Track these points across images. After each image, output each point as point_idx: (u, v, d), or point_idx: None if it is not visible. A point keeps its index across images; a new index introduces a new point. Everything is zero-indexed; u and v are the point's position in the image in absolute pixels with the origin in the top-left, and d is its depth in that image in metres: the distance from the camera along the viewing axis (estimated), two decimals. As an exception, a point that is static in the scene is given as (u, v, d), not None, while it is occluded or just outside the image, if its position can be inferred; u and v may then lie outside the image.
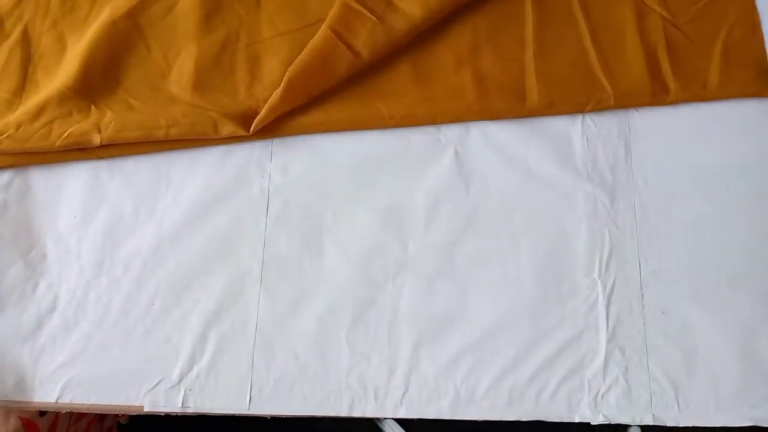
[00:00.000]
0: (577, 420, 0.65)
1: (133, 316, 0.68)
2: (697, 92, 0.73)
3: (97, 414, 0.89)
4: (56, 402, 0.65)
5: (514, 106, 0.72)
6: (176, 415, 0.66)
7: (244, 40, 0.75)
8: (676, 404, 0.66)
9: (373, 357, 0.67)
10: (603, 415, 0.66)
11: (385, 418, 0.68)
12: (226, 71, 0.74)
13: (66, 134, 0.68)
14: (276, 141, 0.73)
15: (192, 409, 0.65)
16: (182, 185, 0.72)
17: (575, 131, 0.73)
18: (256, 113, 0.70)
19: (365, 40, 0.70)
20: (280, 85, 0.69)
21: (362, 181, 0.72)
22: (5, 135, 0.68)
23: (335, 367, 0.67)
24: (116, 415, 0.95)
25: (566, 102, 0.72)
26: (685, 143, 0.73)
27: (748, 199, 0.72)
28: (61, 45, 0.74)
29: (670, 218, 0.71)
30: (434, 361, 0.67)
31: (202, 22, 0.75)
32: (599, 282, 0.69)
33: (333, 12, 0.71)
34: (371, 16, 0.70)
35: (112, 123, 0.68)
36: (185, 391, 0.66)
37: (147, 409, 0.65)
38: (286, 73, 0.69)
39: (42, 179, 0.72)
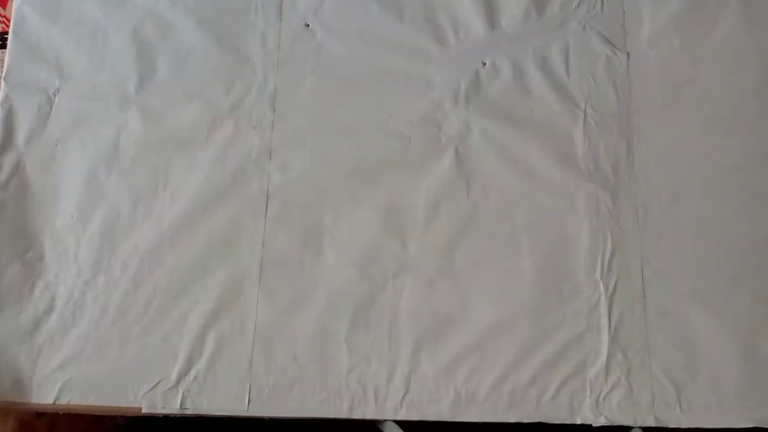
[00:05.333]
0: (578, 422, 0.65)
1: (131, 317, 0.67)
2: None
3: (94, 415, 0.89)
4: (54, 403, 0.65)
5: None
6: (174, 417, 0.66)
7: None
8: (678, 405, 0.66)
9: (373, 358, 0.67)
10: (605, 416, 0.65)
11: (385, 420, 0.68)
12: None
13: None
14: (275, 141, 0.73)
15: (190, 410, 0.65)
16: (181, 184, 0.71)
17: (577, 131, 0.73)
18: None
19: None
20: None
21: (362, 181, 0.72)
22: None
23: (335, 368, 0.66)
24: (114, 417, 0.95)
25: None
26: (686, 143, 0.73)
27: (749, 199, 0.72)
28: None
29: (672, 218, 0.71)
30: (434, 362, 0.67)
31: None
32: (601, 282, 0.69)
33: None
34: None
35: None
36: (183, 392, 0.65)
37: (145, 410, 0.65)
38: None
39: (39, 179, 0.71)
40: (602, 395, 0.66)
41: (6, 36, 0.77)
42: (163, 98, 0.73)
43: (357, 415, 0.65)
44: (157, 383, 0.66)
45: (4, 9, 0.86)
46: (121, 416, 0.87)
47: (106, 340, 0.67)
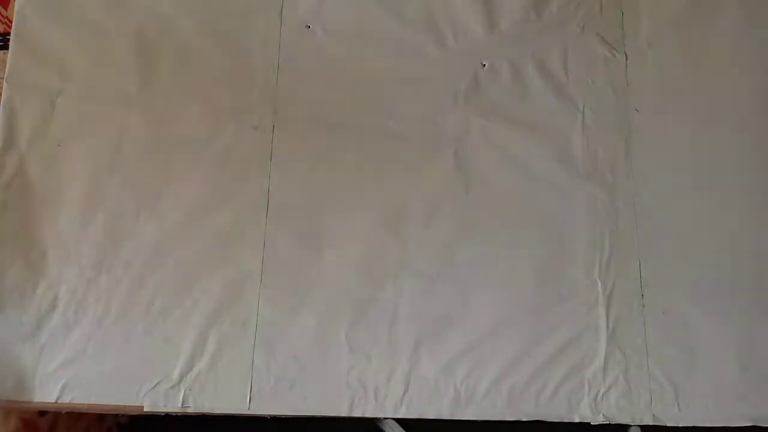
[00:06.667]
0: (577, 420, 0.66)
1: (133, 316, 0.68)
2: None
3: (96, 414, 0.89)
4: (56, 402, 0.65)
5: None
6: (176, 415, 0.66)
7: None
8: (676, 404, 0.66)
9: (373, 357, 0.67)
10: (603, 415, 0.66)
11: (385, 418, 0.68)
12: None
13: None
14: (276, 141, 0.73)
15: (192, 409, 0.65)
16: (182, 185, 0.71)
17: (575, 131, 0.73)
18: None
19: None
20: None
21: (362, 181, 0.72)
22: None
23: (335, 367, 0.67)
24: (116, 415, 0.95)
25: None
26: (684, 143, 0.73)
27: (747, 199, 0.72)
28: None
29: (669, 218, 0.71)
30: (434, 361, 0.67)
31: None
32: (599, 282, 0.69)
33: None
34: None
35: None
36: (185, 390, 0.66)
37: (147, 409, 0.65)
38: None
39: (42, 179, 0.71)
40: (600, 394, 0.66)
41: (8, 37, 0.77)
42: (164, 99, 0.74)
43: (357, 413, 0.66)
44: (159, 382, 0.66)
45: (5, 10, 0.86)
46: (123, 414, 0.88)
47: (109, 339, 0.67)
